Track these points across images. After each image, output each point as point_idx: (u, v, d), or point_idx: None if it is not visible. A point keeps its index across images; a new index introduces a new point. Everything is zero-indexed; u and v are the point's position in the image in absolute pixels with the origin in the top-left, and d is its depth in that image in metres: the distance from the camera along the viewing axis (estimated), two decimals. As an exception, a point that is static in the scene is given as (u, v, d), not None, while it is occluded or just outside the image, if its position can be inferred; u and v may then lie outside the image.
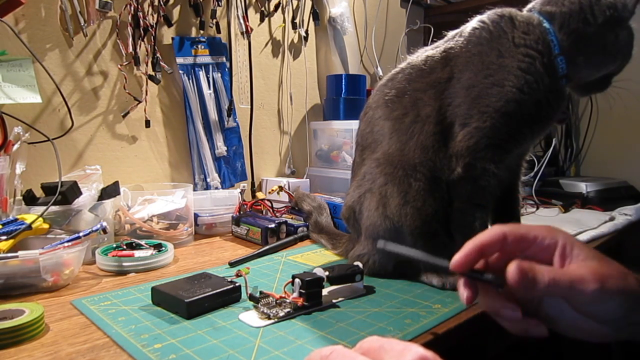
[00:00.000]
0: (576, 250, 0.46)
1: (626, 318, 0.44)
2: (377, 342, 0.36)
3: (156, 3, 1.07)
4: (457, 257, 0.47)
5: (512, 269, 0.44)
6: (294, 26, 1.40)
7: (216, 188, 1.20)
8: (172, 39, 1.14)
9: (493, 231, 0.47)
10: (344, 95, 1.40)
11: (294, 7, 1.39)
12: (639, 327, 0.45)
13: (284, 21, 1.39)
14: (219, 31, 1.21)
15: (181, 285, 0.62)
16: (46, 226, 0.75)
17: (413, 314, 0.59)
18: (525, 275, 0.43)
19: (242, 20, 1.25)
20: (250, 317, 0.57)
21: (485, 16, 0.69)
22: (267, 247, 0.88)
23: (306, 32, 1.42)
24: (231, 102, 1.21)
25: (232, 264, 0.79)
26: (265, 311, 0.57)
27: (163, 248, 0.82)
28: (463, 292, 0.48)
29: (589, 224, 1.06)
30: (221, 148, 1.20)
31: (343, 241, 0.86)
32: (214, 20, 1.20)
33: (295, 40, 1.42)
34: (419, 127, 0.69)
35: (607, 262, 0.46)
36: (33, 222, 0.72)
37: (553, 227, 0.49)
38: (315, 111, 1.50)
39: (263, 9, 1.32)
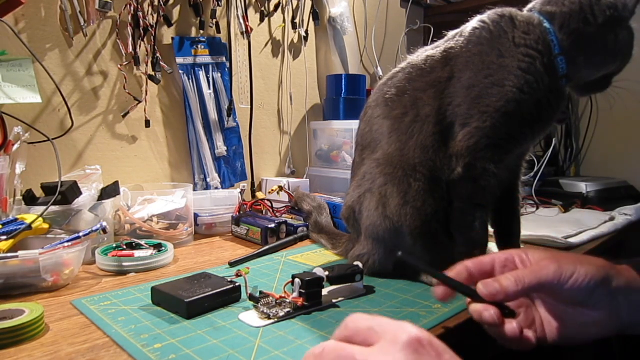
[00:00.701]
0: (531, 253, 0.51)
1: (604, 288, 0.47)
2: (364, 322, 0.36)
3: (156, 3, 1.07)
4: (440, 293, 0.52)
5: (480, 288, 0.49)
6: (294, 26, 1.40)
7: (216, 188, 1.20)
8: (172, 39, 1.14)
9: (457, 270, 0.52)
10: (344, 95, 1.39)
11: (294, 7, 1.39)
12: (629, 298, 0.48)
13: (284, 21, 1.39)
14: (219, 31, 1.21)
15: (181, 285, 0.62)
16: (46, 226, 0.75)
17: (413, 314, 0.59)
18: (493, 287, 0.48)
19: (242, 20, 1.25)
20: (250, 317, 0.57)
21: (486, 16, 0.69)
22: (267, 247, 0.88)
23: (306, 32, 1.42)
24: (231, 102, 1.21)
25: (232, 264, 0.79)
26: (265, 311, 0.57)
27: (163, 248, 0.82)
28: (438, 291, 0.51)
29: (589, 224, 1.06)
30: (221, 148, 1.20)
31: (343, 241, 0.86)
32: (214, 20, 1.20)
33: (295, 40, 1.42)
34: (418, 127, 0.69)
35: (569, 255, 0.51)
36: (33, 222, 0.72)
37: (505, 251, 0.54)
38: (315, 111, 1.50)
39: (263, 9, 1.32)
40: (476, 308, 0.49)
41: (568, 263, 0.48)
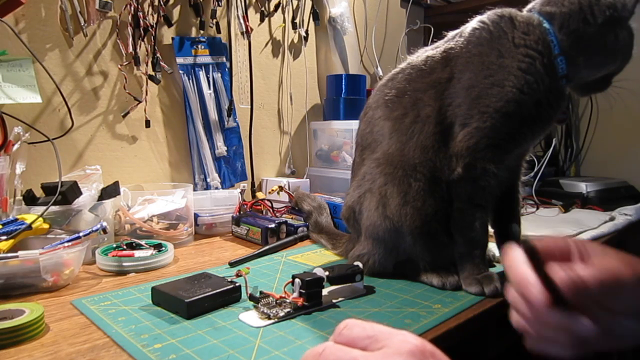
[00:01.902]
0: (589, 247, 0.45)
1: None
2: (362, 331, 0.35)
3: (156, 3, 1.07)
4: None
5: (561, 277, 0.41)
6: (294, 26, 1.40)
7: (216, 188, 1.20)
8: (172, 39, 1.14)
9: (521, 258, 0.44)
10: (344, 95, 1.40)
11: (294, 7, 1.39)
12: None
13: (284, 21, 1.39)
14: (219, 31, 1.21)
15: (181, 285, 0.62)
16: (46, 226, 0.75)
17: (413, 314, 0.59)
18: (574, 282, 0.41)
19: (242, 20, 1.25)
20: (250, 317, 0.57)
21: (486, 16, 0.69)
22: (267, 247, 0.88)
23: (306, 32, 1.42)
24: (231, 102, 1.21)
25: (232, 264, 0.79)
26: (265, 311, 0.57)
27: (163, 248, 0.82)
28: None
29: (589, 224, 1.06)
30: (221, 148, 1.20)
31: (343, 241, 0.86)
32: (214, 20, 1.20)
33: (295, 40, 1.42)
34: (419, 127, 0.69)
35: (619, 252, 0.44)
36: (33, 222, 0.72)
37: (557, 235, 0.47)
38: (315, 111, 1.50)
39: (263, 9, 1.32)
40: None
41: (629, 271, 0.41)
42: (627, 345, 0.45)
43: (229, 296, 0.61)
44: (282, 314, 0.57)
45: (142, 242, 0.83)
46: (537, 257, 0.43)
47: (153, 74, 1.08)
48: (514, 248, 0.45)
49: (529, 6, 0.70)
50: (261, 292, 0.61)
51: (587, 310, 0.42)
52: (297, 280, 0.59)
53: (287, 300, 0.59)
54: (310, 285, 0.59)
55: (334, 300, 0.63)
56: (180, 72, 1.14)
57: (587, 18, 0.64)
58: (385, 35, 1.72)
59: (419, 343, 0.33)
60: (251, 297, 0.60)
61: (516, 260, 0.44)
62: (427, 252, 0.70)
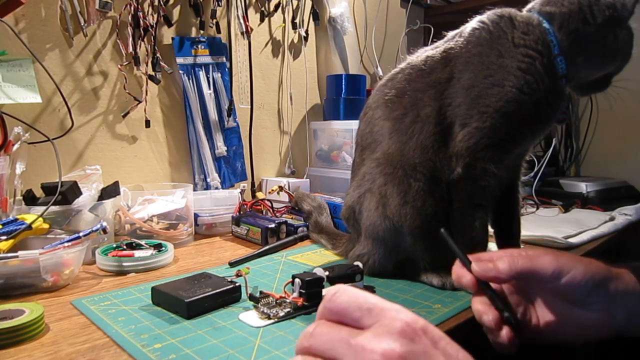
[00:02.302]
0: (531, 250, 0.51)
1: (602, 289, 0.47)
2: (354, 301, 0.34)
3: (156, 3, 1.07)
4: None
5: (473, 266, 0.50)
6: (294, 26, 1.40)
7: (216, 188, 1.20)
8: (172, 39, 1.14)
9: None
10: (344, 95, 1.40)
11: (294, 7, 1.39)
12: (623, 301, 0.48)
13: (284, 21, 1.39)
14: (219, 31, 1.21)
15: (181, 285, 0.62)
16: (46, 226, 0.75)
17: (413, 314, 0.59)
18: (486, 266, 0.49)
19: (242, 20, 1.25)
20: (250, 317, 0.57)
21: (485, 16, 0.69)
22: (267, 247, 0.88)
23: (306, 32, 1.42)
24: (231, 102, 1.21)
25: (232, 264, 0.79)
26: (265, 311, 0.57)
27: (163, 248, 0.82)
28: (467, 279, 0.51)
29: (589, 224, 1.06)
30: (221, 148, 1.20)
31: (343, 241, 0.86)
32: (214, 20, 1.20)
33: (295, 40, 1.42)
34: (418, 127, 0.69)
35: (567, 253, 0.51)
36: (33, 222, 0.72)
37: (505, 249, 0.53)
38: (315, 111, 1.50)
39: (263, 9, 1.32)
40: (477, 308, 0.49)
41: (566, 259, 0.48)
42: (584, 334, 0.49)
43: (229, 296, 0.61)
44: (282, 314, 0.57)
45: (142, 242, 0.83)
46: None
47: (153, 74, 1.08)
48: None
49: (529, 6, 0.70)
50: (261, 292, 0.61)
51: (543, 301, 0.50)
52: (297, 280, 0.59)
53: (287, 300, 0.59)
54: (310, 285, 0.59)
55: (334, 300, 0.62)
56: (180, 72, 1.14)
57: (586, 18, 0.64)
58: (385, 35, 1.72)
59: (409, 319, 0.33)
60: (251, 297, 0.60)
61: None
62: (427, 252, 0.70)
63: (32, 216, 0.74)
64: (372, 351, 0.31)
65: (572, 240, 0.93)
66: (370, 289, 0.67)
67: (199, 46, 1.17)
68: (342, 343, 0.32)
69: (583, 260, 0.49)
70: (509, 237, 0.76)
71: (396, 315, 0.33)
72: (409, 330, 0.32)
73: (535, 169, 1.37)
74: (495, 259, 0.50)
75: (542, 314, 0.51)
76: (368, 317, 0.33)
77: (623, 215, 1.13)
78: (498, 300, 0.49)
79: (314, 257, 0.85)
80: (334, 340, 0.32)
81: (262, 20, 1.33)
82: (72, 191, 0.79)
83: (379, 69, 1.65)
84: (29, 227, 0.72)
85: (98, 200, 0.84)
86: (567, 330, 0.50)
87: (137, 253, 0.79)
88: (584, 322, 0.48)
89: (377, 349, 0.31)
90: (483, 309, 0.49)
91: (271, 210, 1.07)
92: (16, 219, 0.73)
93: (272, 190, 1.17)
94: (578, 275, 0.47)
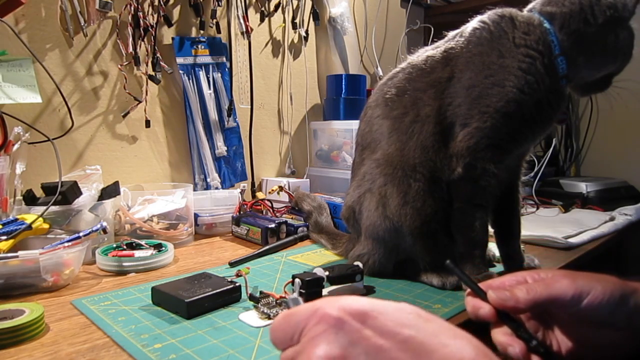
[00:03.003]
0: (544, 272, 0.48)
1: (623, 306, 0.45)
2: (282, 324, 0.34)
3: (156, 3, 1.07)
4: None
5: (490, 294, 0.47)
6: (294, 26, 1.40)
7: (216, 188, 1.20)
8: (172, 39, 1.14)
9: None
10: (344, 95, 1.40)
11: (294, 7, 1.39)
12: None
13: (284, 21, 1.39)
14: (219, 31, 1.21)
15: (181, 285, 0.62)
16: (46, 226, 0.75)
17: (413, 314, 0.58)
18: (503, 294, 0.46)
19: (242, 20, 1.25)
20: (250, 317, 0.57)
21: (486, 16, 0.69)
22: (267, 247, 0.88)
23: (306, 32, 1.42)
24: (231, 102, 1.21)
25: (232, 264, 0.79)
26: (265, 311, 0.57)
27: (163, 248, 0.82)
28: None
29: (589, 224, 1.06)
30: (221, 148, 1.20)
31: (343, 241, 0.86)
32: (214, 20, 1.20)
33: (295, 40, 1.42)
34: (418, 127, 0.69)
35: (584, 274, 0.47)
36: (33, 222, 0.72)
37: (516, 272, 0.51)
38: (315, 111, 1.50)
39: (263, 9, 1.32)
40: (501, 340, 0.46)
41: (583, 279, 0.45)
42: (607, 355, 0.47)
43: (229, 296, 0.61)
44: (282, 314, 0.57)
45: (142, 242, 0.83)
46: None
47: (153, 74, 1.08)
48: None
49: (530, 6, 0.70)
50: (261, 292, 0.61)
51: (562, 325, 0.48)
52: (297, 280, 0.59)
53: (287, 300, 0.59)
54: (310, 285, 0.59)
55: (334, 300, 0.62)
56: (180, 72, 1.14)
57: (587, 18, 0.64)
58: (385, 35, 1.72)
59: (323, 313, 0.32)
60: (251, 297, 0.60)
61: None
62: (427, 252, 0.70)
63: (32, 216, 0.74)
64: None
65: (572, 240, 0.93)
66: (370, 289, 0.67)
67: (199, 46, 1.17)
68: None
69: (600, 279, 0.46)
70: (509, 237, 0.76)
71: (314, 319, 0.32)
72: (331, 324, 0.31)
73: (536, 169, 1.37)
74: (509, 286, 0.47)
75: (562, 339, 0.49)
76: (297, 331, 0.33)
77: (623, 215, 1.13)
78: (522, 330, 0.46)
79: (314, 257, 0.85)
80: None
81: (262, 20, 1.33)
82: (72, 191, 0.79)
83: (379, 69, 1.65)
84: (29, 227, 0.72)
85: (98, 200, 0.84)
86: (589, 352, 0.48)
87: (137, 253, 0.79)
88: (606, 341, 0.46)
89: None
90: (507, 341, 0.46)
91: (271, 210, 1.07)
92: (16, 219, 0.73)
93: (272, 190, 1.17)
94: (598, 296, 0.44)
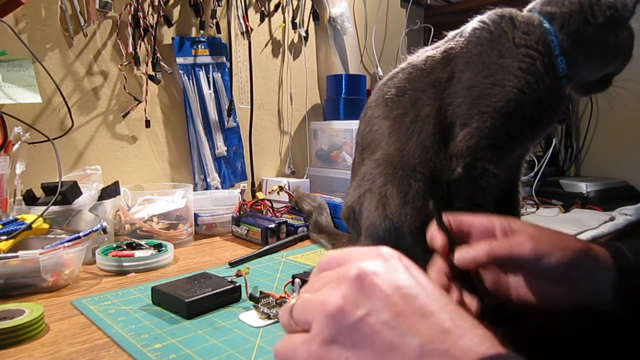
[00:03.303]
0: (514, 225, 0.50)
1: (573, 271, 0.48)
2: (334, 259, 0.36)
3: (156, 3, 1.07)
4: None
5: (456, 255, 0.50)
6: (294, 26, 1.40)
7: (216, 188, 1.20)
8: (172, 39, 1.14)
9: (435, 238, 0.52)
10: (344, 95, 1.39)
11: (294, 7, 1.39)
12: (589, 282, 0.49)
13: (284, 21, 1.39)
14: (219, 31, 1.21)
15: (181, 285, 0.62)
16: (46, 226, 0.75)
17: (413, 314, 0.58)
18: (464, 257, 0.49)
19: (242, 20, 1.25)
20: (250, 317, 0.57)
21: (486, 16, 0.69)
22: (267, 247, 0.88)
23: (306, 32, 1.42)
24: (231, 102, 1.21)
25: (232, 264, 0.79)
26: (265, 311, 0.57)
27: (163, 248, 0.82)
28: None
29: (589, 224, 1.06)
30: (221, 148, 1.20)
31: (343, 241, 0.86)
32: (214, 20, 1.20)
33: (295, 40, 1.42)
34: (418, 127, 0.68)
35: (549, 231, 0.50)
36: (33, 222, 0.72)
37: (489, 217, 0.53)
38: (315, 111, 1.50)
39: (263, 9, 1.32)
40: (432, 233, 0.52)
41: (546, 243, 0.48)
42: (551, 304, 0.50)
43: (229, 296, 0.61)
44: (282, 314, 0.57)
45: (142, 242, 0.83)
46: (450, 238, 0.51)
47: (153, 74, 1.08)
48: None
49: (529, 6, 0.70)
50: (261, 292, 0.61)
51: (515, 272, 0.50)
52: (297, 280, 0.59)
53: (287, 300, 0.59)
54: (310, 285, 0.59)
55: (334, 300, 0.62)
56: (180, 72, 1.14)
57: (587, 18, 0.64)
58: (385, 35, 1.72)
59: (362, 269, 0.33)
60: (251, 297, 0.60)
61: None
62: (427, 252, 0.70)
63: (32, 216, 0.74)
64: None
65: (572, 240, 0.93)
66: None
67: (199, 46, 1.17)
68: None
69: (563, 243, 0.49)
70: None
71: (354, 263, 0.34)
72: (359, 279, 0.32)
73: (536, 169, 1.37)
74: (475, 235, 0.51)
75: (513, 282, 0.52)
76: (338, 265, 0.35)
77: (623, 215, 1.13)
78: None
79: (314, 257, 0.85)
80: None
81: (262, 20, 1.33)
82: (72, 191, 0.79)
83: (379, 69, 1.65)
84: (29, 227, 0.72)
85: (98, 200, 0.84)
86: (535, 299, 0.51)
87: (137, 253, 0.79)
88: (553, 294, 0.50)
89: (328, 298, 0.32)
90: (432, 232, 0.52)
91: (271, 210, 1.07)
92: (16, 219, 0.73)
93: (272, 190, 1.17)
94: (556, 261, 0.48)
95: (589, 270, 0.49)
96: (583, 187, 1.36)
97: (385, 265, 0.33)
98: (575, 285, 0.49)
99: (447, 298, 0.33)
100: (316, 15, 1.43)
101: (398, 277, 0.32)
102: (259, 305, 0.58)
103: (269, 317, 0.56)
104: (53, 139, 0.86)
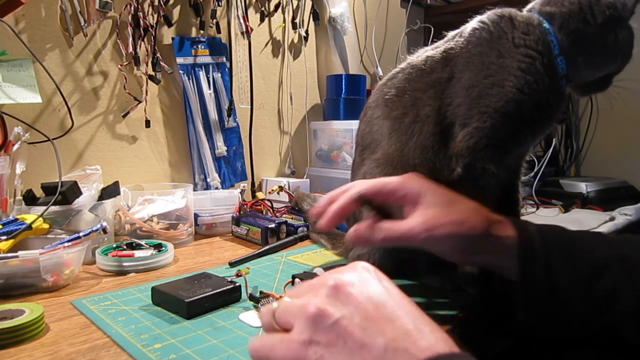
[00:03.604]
0: (428, 198, 0.54)
1: (469, 246, 0.53)
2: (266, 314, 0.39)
3: (156, 3, 1.07)
4: (322, 222, 0.58)
5: (350, 233, 0.56)
6: (294, 26, 1.40)
7: (216, 188, 1.20)
8: (172, 39, 1.14)
9: (349, 195, 0.56)
10: (344, 95, 1.40)
11: (294, 7, 1.39)
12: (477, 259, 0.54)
13: (284, 21, 1.39)
14: (219, 31, 1.21)
15: (181, 285, 0.62)
16: (46, 226, 0.75)
17: (413, 314, 0.58)
18: (359, 238, 0.56)
19: (242, 20, 1.25)
20: (250, 317, 0.57)
21: (485, 17, 0.69)
22: (267, 247, 0.88)
23: (306, 32, 1.43)
24: (231, 102, 1.21)
25: (232, 264, 0.79)
26: (265, 311, 0.57)
27: (163, 248, 0.82)
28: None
29: (589, 224, 1.06)
30: (221, 148, 1.20)
31: (343, 241, 0.86)
32: (214, 20, 1.20)
33: (295, 40, 1.42)
34: (418, 127, 0.68)
35: (454, 207, 0.54)
36: (33, 222, 0.72)
37: (413, 176, 0.58)
38: (315, 111, 1.50)
39: (263, 9, 1.32)
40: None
41: (441, 232, 0.52)
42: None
43: (229, 296, 0.61)
44: (282, 314, 0.57)
45: (142, 242, 0.83)
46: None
47: (153, 74, 1.08)
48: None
49: (529, 6, 0.70)
50: (261, 292, 0.61)
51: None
52: (297, 280, 0.60)
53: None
54: (310, 285, 0.59)
55: (334, 300, 0.62)
56: (180, 72, 1.14)
57: (587, 18, 0.64)
58: (385, 35, 1.72)
59: (333, 281, 0.37)
60: (251, 297, 0.60)
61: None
62: (427, 252, 0.70)
63: (32, 216, 0.74)
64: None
65: (572, 240, 0.93)
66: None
67: (199, 46, 1.17)
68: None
69: (463, 220, 0.53)
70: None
71: (326, 279, 0.38)
72: (333, 289, 0.37)
73: (536, 169, 1.37)
74: (373, 230, 0.55)
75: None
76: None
77: (623, 215, 1.12)
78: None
79: (314, 257, 0.85)
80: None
81: (262, 20, 1.33)
82: (72, 191, 0.79)
83: (379, 69, 1.65)
84: (29, 227, 0.72)
85: (98, 200, 0.84)
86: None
87: (137, 253, 0.79)
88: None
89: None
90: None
91: (271, 210, 1.07)
92: (16, 219, 0.73)
93: (272, 190, 1.17)
94: (446, 244, 0.53)
95: (487, 249, 0.53)
96: (583, 187, 1.36)
97: (360, 277, 0.37)
98: (474, 259, 0.55)
99: (413, 306, 0.37)
100: (316, 15, 1.43)
101: (370, 288, 0.37)
102: (259, 305, 0.58)
103: (268, 317, 0.56)
104: (53, 139, 0.86)
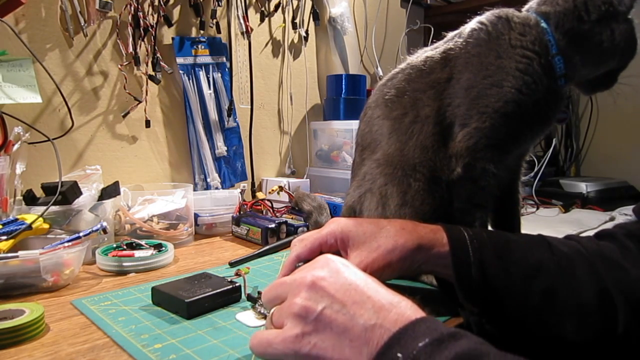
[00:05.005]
0: (353, 240, 0.58)
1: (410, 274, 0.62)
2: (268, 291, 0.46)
3: (156, 3, 1.07)
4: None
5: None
6: (294, 26, 1.40)
7: (216, 188, 1.20)
8: (172, 39, 1.14)
9: (289, 261, 0.59)
10: (344, 95, 1.40)
11: (294, 7, 1.39)
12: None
13: (284, 21, 1.39)
14: (219, 31, 1.21)
15: (181, 285, 0.62)
16: (46, 226, 0.75)
17: (413, 314, 0.58)
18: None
19: (242, 20, 1.25)
20: (247, 316, 0.57)
21: (484, 17, 0.69)
22: (267, 247, 0.88)
23: (306, 32, 1.42)
24: (231, 102, 1.21)
25: (232, 264, 0.79)
26: (262, 311, 0.57)
27: (163, 248, 0.82)
28: None
29: (589, 224, 1.06)
30: (221, 148, 1.21)
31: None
32: (214, 20, 1.20)
33: (295, 40, 1.42)
34: (418, 127, 0.69)
35: (380, 239, 0.57)
36: (33, 222, 0.72)
37: (335, 221, 0.60)
38: (315, 111, 1.50)
39: (263, 9, 1.32)
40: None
41: (378, 258, 0.55)
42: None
43: (229, 296, 0.61)
44: (281, 314, 0.57)
45: (142, 242, 0.83)
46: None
47: (153, 74, 1.08)
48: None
49: (527, 6, 0.70)
50: (259, 293, 0.61)
51: None
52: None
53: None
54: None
55: (333, 300, 0.62)
56: (180, 72, 1.14)
57: (581, 15, 0.64)
58: (385, 35, 1.72)
59: (311, 277, 0.42)
60: (249, 297, 0.60)
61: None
62: None
63: (32, 216, 0.74)
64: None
65: (572, 240, 0.93)
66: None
67: (199, 46, 1.17)
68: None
69: (390, 251, 0.55)
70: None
71: (306, 275, 0.43)
72: (311, 285, 0.42)
73: (536, 169, 1.37)
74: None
75: None
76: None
77: (623, 216, 1.13)
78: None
79: (314, 257, 0.85)
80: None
81: (262, 20, 1.33)
82: (72, 191, 0.79)
83: (379, 69, 1.65)
84: (29, 227, 0.72)
85: (98, 200, 0.84)
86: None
87: (137, 253, 0.79)
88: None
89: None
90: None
91: (271, 210, 1.07)
92: (16, 219, 0.73)
93: (272, 190, 1.17)
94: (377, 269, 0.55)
95: (427, 262, 0.56)
96: (583, 187, 1.36)
97: (329, 270, 0.43)
98: (422, 271, 0.62)
99: (378, 283, 0.42)
100: (316, 15, 1.43)
101: (340, 277, 0.42)
102: (257, 305, 0.58)
103: (265, 317, 0.56)
104: (53, 139, 0.86)
